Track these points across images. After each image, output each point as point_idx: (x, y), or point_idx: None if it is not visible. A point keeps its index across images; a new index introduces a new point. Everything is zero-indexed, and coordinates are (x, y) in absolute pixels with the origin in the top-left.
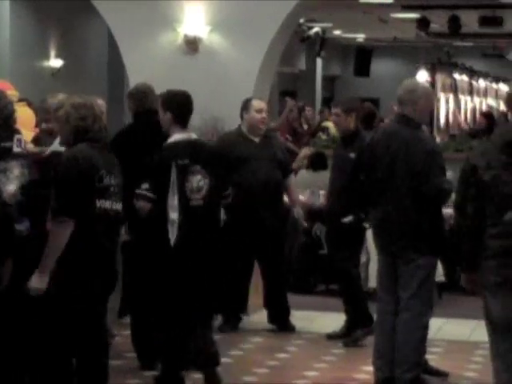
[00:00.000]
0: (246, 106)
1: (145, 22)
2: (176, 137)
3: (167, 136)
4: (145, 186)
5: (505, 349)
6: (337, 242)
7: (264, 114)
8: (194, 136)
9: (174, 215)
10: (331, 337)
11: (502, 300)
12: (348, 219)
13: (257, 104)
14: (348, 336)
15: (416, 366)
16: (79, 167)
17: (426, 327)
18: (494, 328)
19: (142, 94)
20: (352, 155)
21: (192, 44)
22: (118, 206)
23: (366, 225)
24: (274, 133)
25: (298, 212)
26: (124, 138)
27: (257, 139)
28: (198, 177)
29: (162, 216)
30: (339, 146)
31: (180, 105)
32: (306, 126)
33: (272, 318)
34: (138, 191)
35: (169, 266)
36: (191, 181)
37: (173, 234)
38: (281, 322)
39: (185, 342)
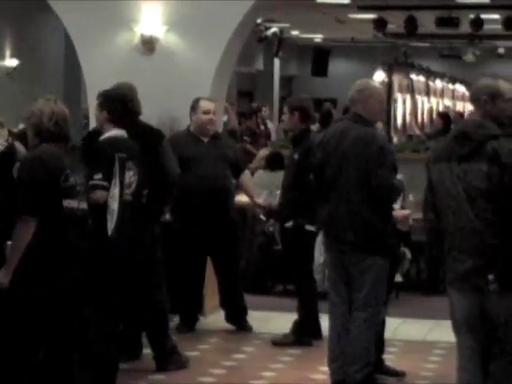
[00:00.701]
0: (193, 106)
1: (101, 22)
2: (114, 132)
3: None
4: (98, 176)
5: (466, 347)
6: (289, 244)
7: (211, 115)
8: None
9: (114, 205)
10: (277, 342)
11: (456, 297)
12: (289, 224)
13: (204, 105)
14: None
15: (368, 365)
16: (43, 167)
17: (377, 325)
18: (455, 326)
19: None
20: (296, 156)
21: (148, 44)
22: (85, 205)
23: (311, 228)
24: (225, 132)
25: (256, 211)
26: None
27: (206, 139)
28: (131, 172)
29: (103, 205)
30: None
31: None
32: (262, 127)
33: (229, 318)
34: (92, 182)
35: (106, 255)
36: (125, 175)
37: (111, 224)
38: (238, 322)
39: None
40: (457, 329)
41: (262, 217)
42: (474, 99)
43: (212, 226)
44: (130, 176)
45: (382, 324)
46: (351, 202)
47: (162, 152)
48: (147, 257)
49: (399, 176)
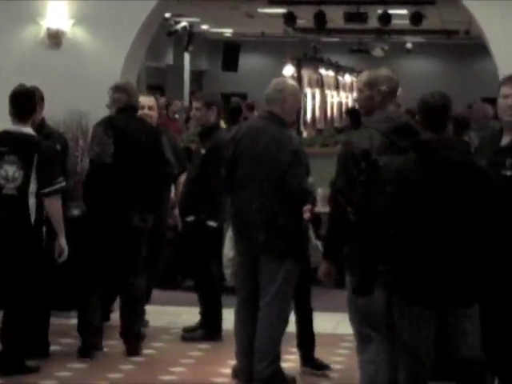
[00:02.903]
0: None
1: (6, 16)
2: (12, 127)
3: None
4: None
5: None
6: (192, 238)
7: (146, 110)
8: (26, 130)
9: None
10: (186, 338)
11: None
12: (190, 218)
13: (141, 100)
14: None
15: (276, 360)
16: None
17: (286, 322)
18: (371, 321)
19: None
20: (203, 151)
21: (55, 38)
22: None
23: (212, 223)
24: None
25: (175, 212)
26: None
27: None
28: (14, 167)
29: None
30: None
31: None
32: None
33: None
34: None
35: None
36: (6, 169)
37: None
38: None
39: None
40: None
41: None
42: (390, 91)
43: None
44: (14, 171)
45: (311, 318)
46: (264, 203)
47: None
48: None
49: (310, 179)
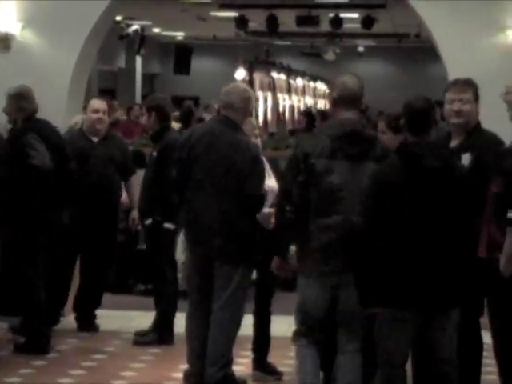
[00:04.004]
0: (85, 105)
1: None
2: None
3: None
4: None
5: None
6: (150, 241)
7: (101, 114)
8: None
9: None
10: (138, 342)
11: (316, 292)
12: (148, 222)
13: (94, 104)
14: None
15: (228, 363)
16: None
17: (238, 326)
18: (301, 319)
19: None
20: (155, 154)
21: (4, 41)
22: None
23: (169, 226)
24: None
25: (133, 215)
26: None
27: (95, 139)
28: None
29: None
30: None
31: None
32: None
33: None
34: None
35: None
36: None
37: None
38: (86, 322)
39: None
40: (304, 323)
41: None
42: (353, 98)
43: (90, 225)
44: None
45: (269, 322)
46: (221, 208)
47: None
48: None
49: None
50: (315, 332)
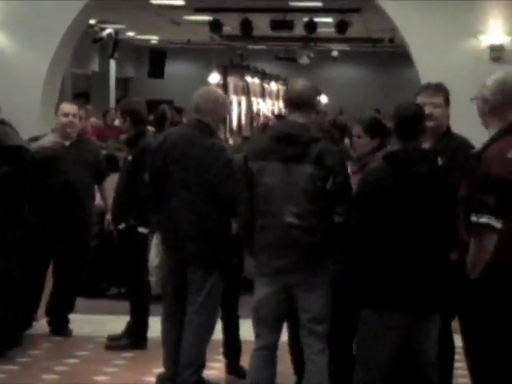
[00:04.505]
0: (56, 109)
1: None
2: None
3: None
4: None
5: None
6: (124, 245)
7: (71, 118)
8: None
9: None
10: (111, 346)
11: (262, 293)
12: (122, 226)
13: (64, 107)
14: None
15: (201, 367)
16: None
17: (211, 331)
18: (256, 320)
19: None
20: (130, 158)
21: None
22: None
23: (143, 230)
24: (87, 136)
25: (108, 218)
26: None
27: (67, 142)
28: None
29: None
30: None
31: None
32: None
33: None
34: None
35: None
36: None
37: None
38: (58, 326)
39: None
40: (256, 322)
41: (110, 226)
42: (304, 101)
43: (62, 230)
44: None
45: (237, 326)
46: (196, 212)
47: None
48: None
49: None
50: (267, 334)
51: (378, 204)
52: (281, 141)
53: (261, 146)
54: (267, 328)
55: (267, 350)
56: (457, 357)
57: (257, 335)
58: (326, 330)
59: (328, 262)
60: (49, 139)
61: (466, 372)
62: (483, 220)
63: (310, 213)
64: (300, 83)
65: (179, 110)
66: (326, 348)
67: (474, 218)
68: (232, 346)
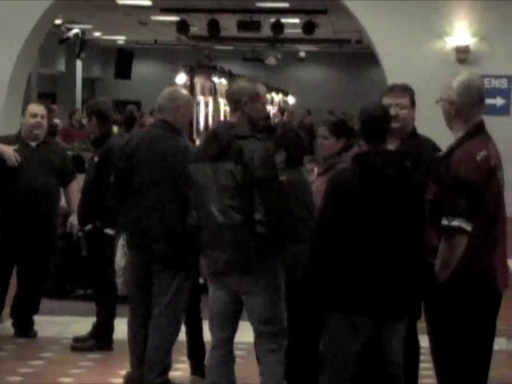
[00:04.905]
0: (24, 109)
1: None
2: None
3: None
4: None
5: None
6: (90, 247)
7: (39, 119)
8: None
9: None
10: (76, 347)
11: (213, 292)
12: (88, 227)
13: (32, 108)
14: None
15: (167, 369)
16: None
17: (177, 332)
18: (210, 318)
19: None
20: (96, 159)
21: None
22: None
23: (110, 231)
24: (54, 138)
25: (71, 220)
26: None
27: (33, 143)
28: None
29: None
30: None
31: None
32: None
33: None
34: None
35: None
36: None
37: None
38: (23, 328)
39: None
40: (212, 323)
41: (74, 230)
42: (234, 100)
43: (27, 232)
44: None
45: (200, 327)
46: (161, 213)
47: None
48: None
49: None
50: (218, 331)
51: (346, 206)
52: (208, 141)
53: (198, 147)
54: (219, 326)
55: (221, 349)
56: (422, 357)
57: (211, 333)
58: (275, 330)
59: (269, 264)
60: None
61: (432, 372)
62: (455, 223)
63: (233, 209)
64: (236, 84)
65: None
66: (278, 348)
67: (445, 222)
68: (196, 347)
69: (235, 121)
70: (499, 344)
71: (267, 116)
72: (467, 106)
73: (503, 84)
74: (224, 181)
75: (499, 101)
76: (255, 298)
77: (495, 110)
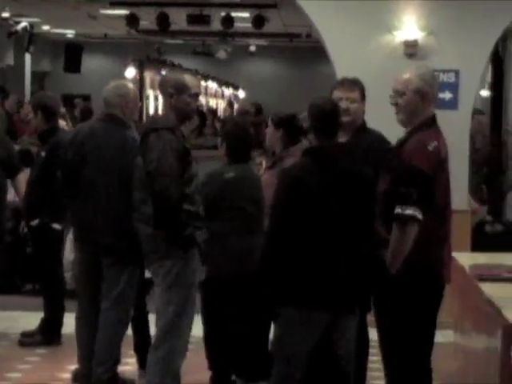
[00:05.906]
0: None
1: None
2: None
3: None
4: None
5: None
6: (37, 242)
7: None
8: None
9: None
10: (24, 342)
11: None
12: (35, 222)
13: None
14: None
15: (115, 363)
16: None
17: (126, 326)
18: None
19: None
20: (43, 153)
21: None
22: None
23: (57, 226)
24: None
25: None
26: None
27: None
28: None
29: None
30: None
31: None
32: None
33: None
34: None
35: None
36: None
37: None
38: None
39: None
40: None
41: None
42: (162, 93)
43: None
44: None
45: (146, 321)
46: (110, 207)
47: None
48: None
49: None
50: None
51: (302, 199)
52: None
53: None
54: None
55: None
56: (371, 350)
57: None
58: (166, 325)
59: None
60: None
61: (380, 365)
62: (408, 211)
63: (139, 202)
64: (164, 76)
65: None
66: (159, 343)
67: (398, 210)
68: (142, 341)
69: (163, 113)
70: (447, 336)
71: (199, 108)
72: (436, 96)
73: (451, 78)
74: (137, 174)
75: (447, 95)
76: (157, 291)
77: (444, 104)
